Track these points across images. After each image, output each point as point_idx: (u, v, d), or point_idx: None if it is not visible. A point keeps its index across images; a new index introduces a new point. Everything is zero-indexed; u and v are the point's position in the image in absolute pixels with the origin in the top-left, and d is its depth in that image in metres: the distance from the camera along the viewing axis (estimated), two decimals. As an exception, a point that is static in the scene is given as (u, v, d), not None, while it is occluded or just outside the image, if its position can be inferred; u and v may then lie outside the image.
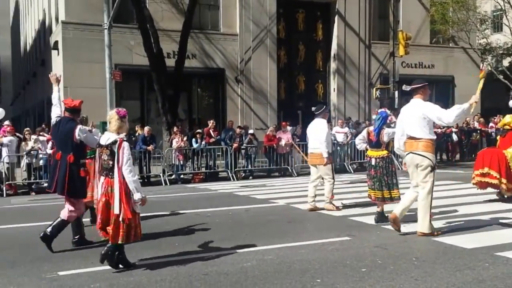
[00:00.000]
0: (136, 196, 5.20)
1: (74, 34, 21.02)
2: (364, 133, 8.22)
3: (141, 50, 18.63)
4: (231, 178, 16.13)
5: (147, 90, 22.31)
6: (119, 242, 5.23)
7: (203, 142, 16.37)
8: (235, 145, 16.43)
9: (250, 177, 16.78)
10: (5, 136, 13.97)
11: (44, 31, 29.94)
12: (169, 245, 6.53)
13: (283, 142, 17.11)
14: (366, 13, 25.83)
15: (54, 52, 23.39)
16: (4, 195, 13.17)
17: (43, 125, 16.68)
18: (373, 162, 7.82)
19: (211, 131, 17.04)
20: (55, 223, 6.38)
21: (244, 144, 16.90)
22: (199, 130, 16.86)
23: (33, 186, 14.04)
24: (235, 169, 16.48)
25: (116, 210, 5.14)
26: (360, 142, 8.30)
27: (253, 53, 23.76)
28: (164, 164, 15.89)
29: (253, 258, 5.77)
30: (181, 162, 16.00)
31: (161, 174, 15.74)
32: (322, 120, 9.25)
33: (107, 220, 5.26)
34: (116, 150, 5.21)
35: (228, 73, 23.60)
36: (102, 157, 5.38)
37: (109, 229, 5.22)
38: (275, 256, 5.85)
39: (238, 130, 17.10)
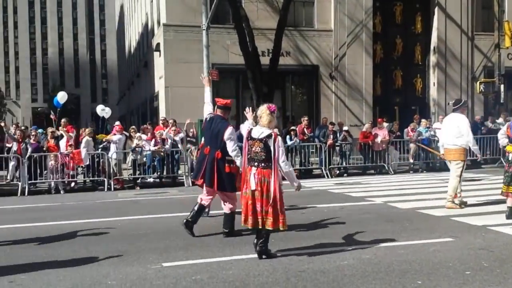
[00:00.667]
0: (296, 183, 5.85)
1: (175, 36, 21.98)
2: (504, 128, 8.24)
3: (237, 49, 19.06)
4: (325, 175, 16.02)
5: (242, 88, 22.77)
6: (281, 228, 5.63)
7: (297, 139, 16.40)
8: (329, 142, 16.29)
9: (345, 174, 16.56)
10: (114, 134, 14.97)
11: (147, 34, 31.61)
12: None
13: (379, 139, 16.69)
14: (469, 4, 24.47)
15: (156, 54, 24.62)
16: (112, 189, 14.09)
17: (148, 124, 17.58)
18: (510, 157, 7.80)
19: (305, 128, 17.02)
20: (224, 220, 7.01)
21: (339, 141, 16.71)
22: (293, 127, 16.92)
23: (138, 181, 14.90)
24: (330, 166, 16.33)
25: (272, 199, 5.54)
26: (501, 137, 8.22)
27: (348, 49, 23.39)
28: (258, 161, 16.10)
29: (350, 257, 5.70)
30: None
31: (256, 171, 15.98)
32: (461, 115, 9.05)
33: (255, 209, 5.62)
34: (271, 143, 5.59)
35: (322, 70, 23.44)
36: (254, 149, 5.72)
37: (261, 218, 5.59)
38: (372, 256, 5.73)
39: (330, 127, 16.92)
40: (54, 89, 66.65)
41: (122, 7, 57.68)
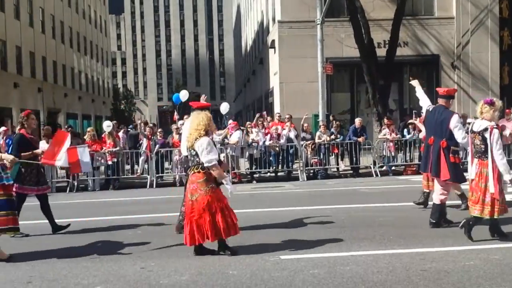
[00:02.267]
0: (506, 177, 5.89)
1: (289, 32, 22.19)
2: None
3: (351, 42, 18.76)
4: (448, 171, 15.17)
5: (357, 82, 22.38)
6: (495, 216, 5.96)
7: (416, 133, 15.72)
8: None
9: (469, 170, 15.55)
10: (231, 132, 15.51)
11: (262, 32, 32.26)
12: (384, 238, 6.47)
13: (507, 132, 15.38)
14: None
15: (271, 51, 25.06)
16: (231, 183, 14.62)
17: (269, 118, 17.98)
18: None
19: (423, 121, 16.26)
20: (433, 210, 7.09)
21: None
22: (411, 121, 16.25)
23: (255, 175, 15.32)
24: (453, 161, 15.42)
25: (491, 189, 5.85)
26: None
27: (472, 36, 21.95)
28: (374, 156, 15.76)
29: (476, 257, 5.38)
30: (392, 153, 15.66)
31: (371, 166, 15.65)
32: None
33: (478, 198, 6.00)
34: (488, 136, 5.90)
35: (443, 59, 22.25)
36: (475, 142, 6.09)
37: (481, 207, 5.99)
38: (501, 256, 5.36)
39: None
40: (178, 88, 70.68)
41: (239, 7, 59.41)
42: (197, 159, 5.75)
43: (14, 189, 7.05)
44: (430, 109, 7.28)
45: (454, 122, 6.79)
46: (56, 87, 42.90)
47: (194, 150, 5.76)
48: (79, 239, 7.15)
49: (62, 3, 45.92)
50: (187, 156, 6.19)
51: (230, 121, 16.84)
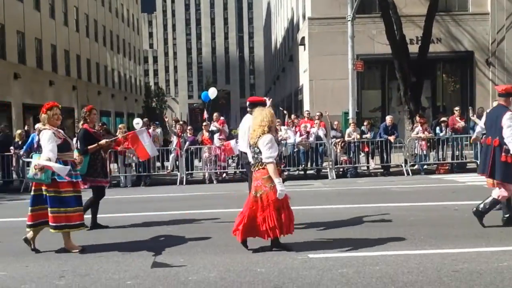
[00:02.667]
0: None
1: (319, 29, 22.07)
2: None
3: (383, 38, 18.49)
4: (482, 170, 14.82)
5: (388, 79, 22.08)
6: None
7: (449, 131, 15.43)
8: (486, 134, 15.03)
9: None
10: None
11: (292, 29, 32.17)
12: (414, 238, 6.37)
13: None
14: None
15: (300, 48, 24.96)
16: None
17: (293, 116, 17.96)
18: None
19: (457, 119, 15.94)
20: (487, 200, 6.96)
21: (497, 133, 15.33)
22: (443, 118, 15.95)
23: (283, 173, 15.28)
24: (486, 160, 15.07)
25: None
26: None
27: (507, 32, 21.40)
28: (406, 154, 15.53)
29: (510, 258, 5.25)
30: (425, 151, 15.39)
31: (402, 164, 15.43)
32: None
33: None
34: None
35: (477, 56, 21.75)
36: None
37: None
38: (538, 259, 5.20)
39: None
40: (208, 86, 71.35)
41: (269, 4, 59.35)
42: (261, 156, 5.76)
43: (89, 183, 7.41)
44: (489, 110, 7.23)
45: (505, 119, 6.62)
46: (90, 85, 43.76)
47: (258, 147, 5.78)
48: (110, 235, 7.28)
49: (96, 2, 46.78)
50: (245, 153, 6.25)
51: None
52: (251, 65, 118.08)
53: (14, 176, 15.31)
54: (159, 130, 16.92)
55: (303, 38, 23.97)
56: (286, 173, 15.28)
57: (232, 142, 14.61)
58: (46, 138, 6.04)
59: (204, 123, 16.41)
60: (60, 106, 6.62)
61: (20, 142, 15.06)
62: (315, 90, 22.05)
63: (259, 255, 5.75)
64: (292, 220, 5.84)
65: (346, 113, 17.69)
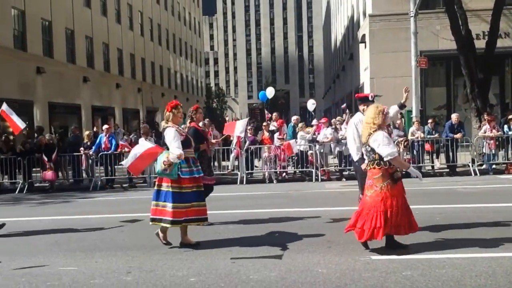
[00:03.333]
0: None
1: (380, 26, 21.63)
2: None
3: (447, 34, 17.86)
4: (557, 170, 14.00)
5: (454, 75, 21.32)
6: None
7: (520, 129, 14.67)
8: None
9: None
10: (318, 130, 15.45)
11: (352, 26, 31.71)
12: (483, 240, 6.12)
13: None
14: None
15: (361, 46, 24.55)
16: (319, 180, 14.56)
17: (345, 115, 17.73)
18: None
19: (529, 117, 15.13)
20: None
21: None
22: (513, 116, 15.19)
23: (344, 173, 15.11)
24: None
25: None
26: None
27: None
28: (473, 153, 14.91)
29: None
30: (493, 151, 14.72)
31: (469, 164, 14.83)
32: None
33: None
34: None
35: (549, 50, 20.54)
36: None
37: None
38: None
39: None
40: (267, 86, 71.83)
41: (328, 3, 58.82)
42: (373, 155, 5.76)
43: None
44: None
45: None
46: (154, 87, 45.11)
47: (370, 145, 5.79)
48: (171, 232, 7.47)
49: (159, 6, 48.16)
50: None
51: (315, 121, 16.75)
52: (310, 64, 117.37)
53: (84, 175, 16.02)
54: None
55: (363, 35, 23.57)
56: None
57: (292, 141, 14.67)
58: (172, 135, 6.24)
59: (264, 123, 16.50)
60: (181, 105, 6.76)
61: (89, 143, 15.74)
62: (376, 88, 21.60)
63: (319, 254, 5.71)
64: (411, 219, 5.69)
65: (410, 112, 17.22)
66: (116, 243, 6.92)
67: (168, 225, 6.32)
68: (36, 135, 17.54)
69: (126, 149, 14.95)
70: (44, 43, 27.64)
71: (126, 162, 6.88)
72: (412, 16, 16.52)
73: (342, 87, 37.94)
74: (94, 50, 33.65)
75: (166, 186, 6.33)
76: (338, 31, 44.47)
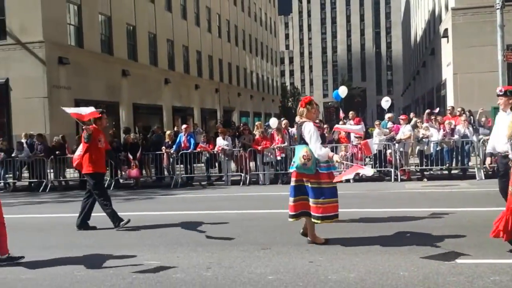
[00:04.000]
0: None
1: (464, 19, 20.68)
2: None
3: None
4: None
5: (547, 70, 19.90)
6: None
7: None
8: None
9: None
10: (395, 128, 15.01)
11: (433, 21, 30.52)
12: None
13: None
14: None
15: (443, 40, 23.58)
16: (399, 180, 14.14)
17: (434, 111, 17.07)
18: None
19: None
20: None
21: None
22: None
23: (425, 173, 14.57)
24: None
25: None
26: None
27: None
28: None
29: None
30: None
31: None
32: None
33: None
34: None
35: None
36: None
37: None
38: None
39: None
40: (343, 84, 70.84)
41: (407, -3, 57.00)
42: None
43: None
44: None
45: None
46: (231, 87, 45.95)
47: None
48: (249, 229, 7.57)
49: (236, 8, 48.98)
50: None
51: (388, 115, 16.27)
52: (388, 61, 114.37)
53: (165, 173, 16.62)
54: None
55: (446, 29, 22.61)
56: None
57: (370, 141, 14.36)
58: (312, 130, 6.32)
59: (341, 122, 16.29)
60: (315, 101, 6.78)
61: (169, 142, 16.32)
62: (459, 84, 20.68)
63: (401, 257, 5.56)
64: None
65: (496, 109, 16.29)
66: (197, 239, 7.12)
67: (318, 221, 6.27)
68: (124, 135, 18.47)
69: (202, 149, 15.47)
70: (128, 47, 29.02)
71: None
72: (498, 9, 15.61)
73: (422, 84, 36.61)
74: (175, 52, 34.83)
75: (305, 181, 6.31)
76: (418, 26, 42.95)
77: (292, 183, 6.45)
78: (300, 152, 6.29)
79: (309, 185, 6.25)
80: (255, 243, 6.61)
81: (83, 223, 8.25)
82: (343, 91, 18.78)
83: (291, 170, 6.51)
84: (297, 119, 6.62)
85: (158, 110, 31.79)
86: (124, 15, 28.48)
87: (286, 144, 15.11)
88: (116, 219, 8.16)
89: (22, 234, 7.94)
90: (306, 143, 6.31)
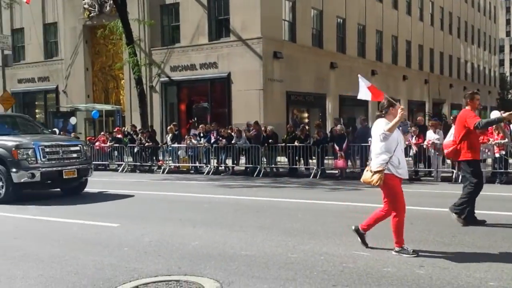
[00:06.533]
0: None
1: None
2: None
3: None
4: None
5: None
6: None
7: None
8: None
9: None
10: None
11: None
12: None
13: None
14: None
15: None
16: None
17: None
18: None
19: None
20: None
21: None
22: None
23: None
24: None
25: None
26: None
27: None
28: None
29: None
30: None
31: None
32: None
33: None
34: None
35: None
36: None
37: None
38: None
39: None
40: None
41: None
42: None
43: None
44: None
45: None
46: (442, 78, 43.36)
47: None
48: (463, 230, 7.10)
49: (452, -5, 46.00)
50: None
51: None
52: None
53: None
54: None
55: None
56: None
57: None
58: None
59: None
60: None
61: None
62: None
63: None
64: None
65: None
66: (408, 235, 6.94)
67: None
68: (333, 125, 18.95)
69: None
70: (337, 39, 29.51)
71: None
72: None
73: None
74: (383, 43, 34.24)
75: None
76: None
77: None
78: None
79: None
80: (472, 245, 6.20)
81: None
82: None
83: None
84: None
85: (363, 102, 31.62)
86: (335, 8, 29.00)
87: (506, 140, 13.70)
88: (462, 212, 7.51)
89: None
90: None
